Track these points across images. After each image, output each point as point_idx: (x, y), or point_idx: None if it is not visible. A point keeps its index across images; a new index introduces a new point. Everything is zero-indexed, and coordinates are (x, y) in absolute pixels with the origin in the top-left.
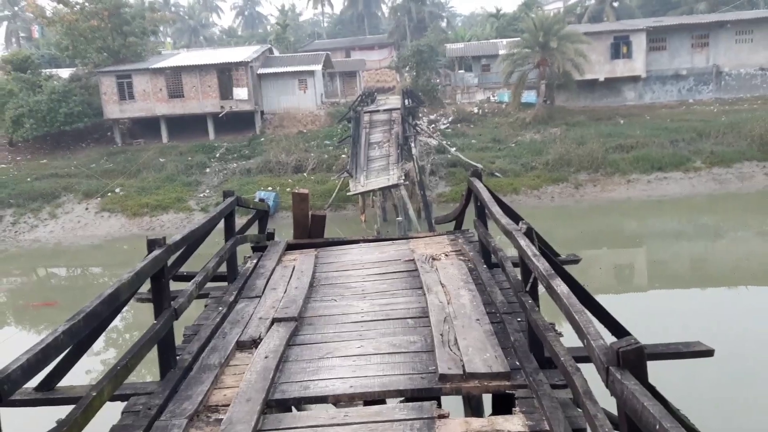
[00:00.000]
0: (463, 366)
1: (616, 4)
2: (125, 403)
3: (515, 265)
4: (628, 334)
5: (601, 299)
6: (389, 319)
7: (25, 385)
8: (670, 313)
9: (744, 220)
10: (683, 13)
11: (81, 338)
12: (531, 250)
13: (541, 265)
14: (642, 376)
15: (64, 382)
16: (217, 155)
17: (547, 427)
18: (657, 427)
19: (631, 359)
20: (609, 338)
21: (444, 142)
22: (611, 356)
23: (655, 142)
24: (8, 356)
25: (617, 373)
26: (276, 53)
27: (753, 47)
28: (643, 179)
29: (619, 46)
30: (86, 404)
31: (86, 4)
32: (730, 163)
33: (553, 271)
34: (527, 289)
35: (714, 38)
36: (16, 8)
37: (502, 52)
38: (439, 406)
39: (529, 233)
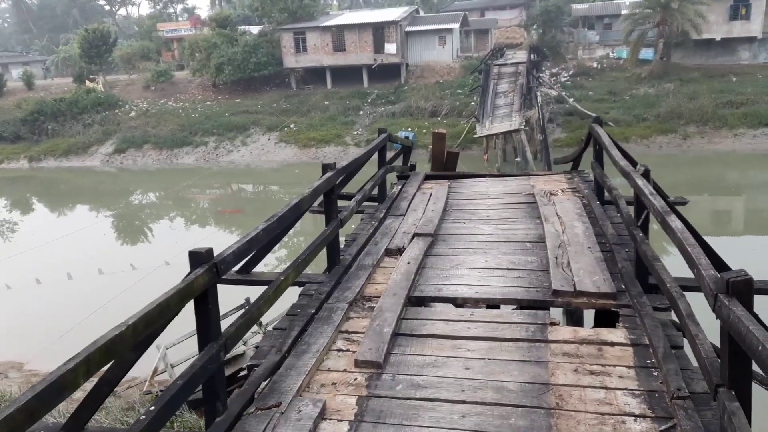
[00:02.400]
0: (574, 284)
1: None
2: (302, 288)
3: (628, 203)
4: (730, 269)
5: (706, 238)
6: (510, 242)
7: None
8: (765, 257)
9: None
10: None
11: (273, 236)
12: (648, 188)
13: (657, 202)
14: (749, 305)
15: (258, 268)
16: (369, 100)
17: (647, 342)
18: (760, 348)
19: (740, 288)
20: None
21: (563, 93)
22: (721, 285)
23: (765, 99)
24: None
25: (726, 299)
26: (421, 13)
27: None
28: (749, 134)
29: (738, 8)
30: (276, 285)
31: None
32: None
33: (668, 208)
34: (639, 223)
35: None
36: None
37: (624, 11)
38: (550, 316)
39: (647, 174)
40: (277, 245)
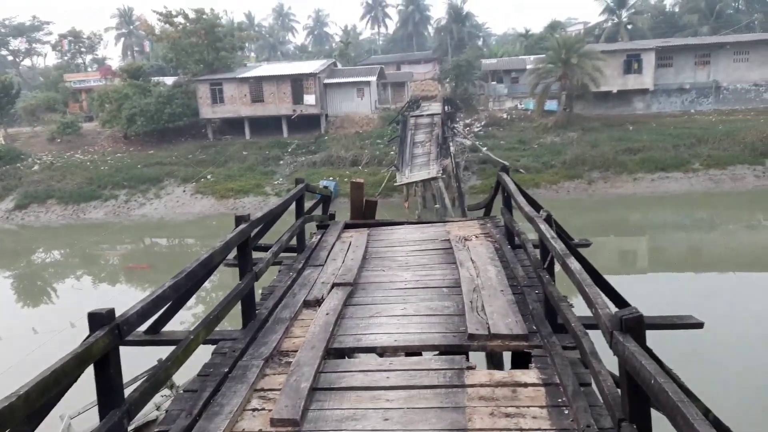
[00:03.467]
0: (488, 328)
1: (629, 27)
2: (215, 346)
3: (535, 246)
4: (629, 305)
5: (607, 278)
6: (428, 288)
7: (137, 329)
8: (667, 292)
9: (735, 215)
10: (689, 34)
11: (181, 292)
12: (550, 233)
13: (558, 245)
14: (641, 341)
15: (166, 328)
16: (289, 150)
17: (558, 381)
18: (652, 381)
19: (632, 325)
20: (614, 310)
21: (477, 142)
22: (615, 322)
23: (660, 146)
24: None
25: (620, 336)
26: (339, 66)
27: (749, 65)
28: (647, 178)
29: (631, 63)
30: (185, 345)
31: (187, 24)
32: (724, 165)
33: (568, 251)
34: (545, 266)
35: (715, 57)
36: (131, 27)
37: (529, 66)
38: (467, 360)
39: (549, 219)
40: (193, 301)
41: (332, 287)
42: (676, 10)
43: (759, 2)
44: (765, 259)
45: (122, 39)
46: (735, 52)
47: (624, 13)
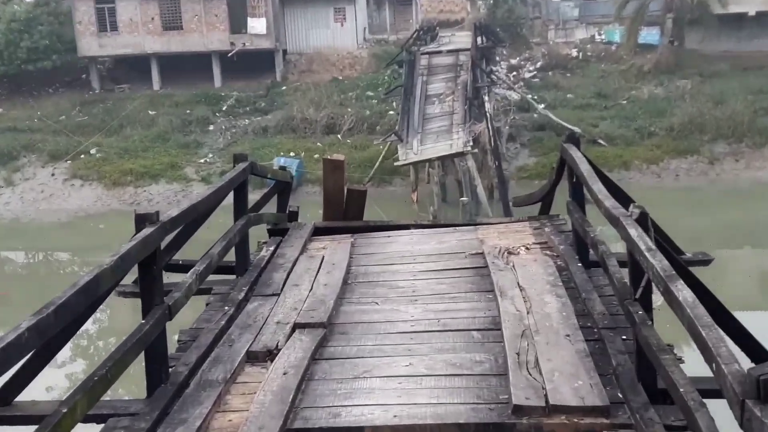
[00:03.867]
0: (546, 396)
1: None
2: (102, 425)
3: (622, 264)
4: None
5: (739, 315)
6: (448, 331)
7: None
8: None
9: None
10: None
11: (48, 338)
12: (645, 242)
13: (658, 262)
14: None
15: (24, 396)
16: (224, 108)
17: None
18: None
19: None
20: (747, 365)
21: (529, 96)
22: (749, 386)
23: None
24: None
25: (756, 408)
26: None
27: None
28: None
29: None
30: (53, 424)
31: None
32: None
33: (673, 272)
34: (637, 296)
35: None
36: None
37: None
38: None
39: (643, 220)
40: (68, 352)
41: (293, 330)
42: None
43: None
44: None
45: None
46: None
47: None
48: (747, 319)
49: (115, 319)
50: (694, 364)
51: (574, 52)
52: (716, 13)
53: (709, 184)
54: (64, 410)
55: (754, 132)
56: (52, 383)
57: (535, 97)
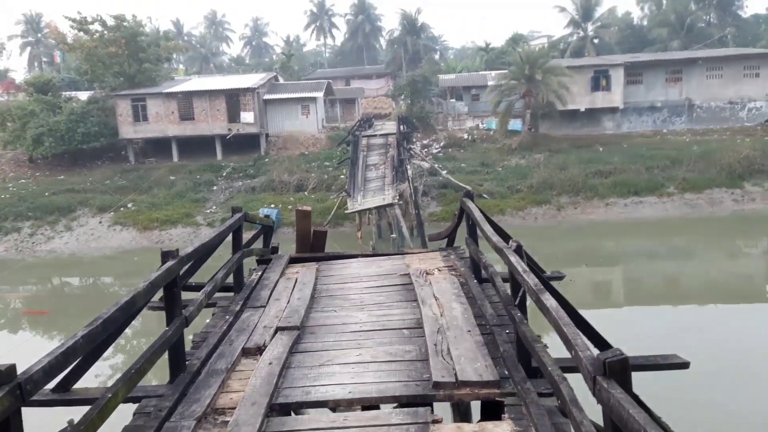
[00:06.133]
0: (455, 374)
1: (596, 41)
2: (137, 404)
3: (504, 280)
4: (610, 347)
5: (583, 314)
6: (386, 330)
7: (44, 387)
8: (645, 328)
9: (714, 242)
10: (659, 50)
11: (97, 343)
12: (521, 266)
13: (531, 280)
14: (627, 386)
15: (80, 384)
16: (224, 174)
17: None
18: None
19: (617, 369)
20: (595, 352)
21: (436, 165)
22: (598, 366)
23: (632, 168)
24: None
25: (604, 382)
26: (281, 80)
27: (723, 82)
28: (620, 203)
29: (599, 80)
30: (102, 405)
31: (105, 32)
32: (701, 189)
33: (542, 286)
34: (516, 302)
35: (687, 73)
36: (39, 35)
37: (490, 82)
38: (432, 412)
39: (519, 250)
40: (111, 352)
41: (276, 332)
42: (645, 23)
43: (731, 15)
44: (747, 289)
45: (28, 48)
46: (708, 68)
47: (590, 27)
48: (586, 316)
49: (147, 326)
50: (556, 350)
51: (466, 135)
52: (559, 110)
53: (557, 224)
54: (109, 395)
55: (587, 188)
56: (100, 372)
57: (440, 166)
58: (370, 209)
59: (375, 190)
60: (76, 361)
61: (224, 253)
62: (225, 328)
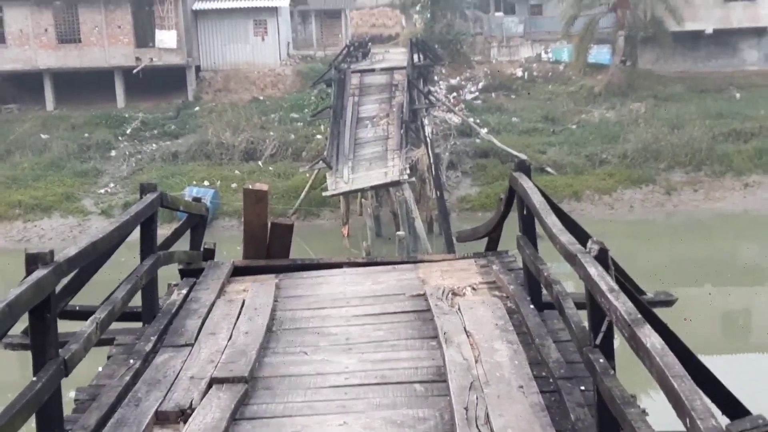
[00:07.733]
0: None
1: None
2: None
3: (579, 306)
4: (748, 413)
5: (705, 360)
6: (387, 384)
7: None
8: None
9: None
10: None
11: None
12: (606, 282)
13: (622, 305)
14: None
15: None
16: (129, 131)
17: None
18: None
19: None
20: (720, 419)
21: (471, 119)
22: None
23: None
24: None
25: None
26: None
27: None
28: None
29: None
30: None
31: None
32: None
33: (639, 315)
34: (598, 342)
35: None
36: None
37: None
38: None
39: (603, 257)
40: None
41: (210, 386)
42: None
43: None
44: None
45: None
46: None
47: None
48: (712, 365)
49: (1, 377)
50: (659, 416)
51: (519, 72)
52: (671, 31)
53: (666, 216)
54: None
55: (713, 160)
56: None
57: (478, 121)
58: (363, 190)
59: (372, 159)
60: None
61: (127, 258)
62: (128, 379)
